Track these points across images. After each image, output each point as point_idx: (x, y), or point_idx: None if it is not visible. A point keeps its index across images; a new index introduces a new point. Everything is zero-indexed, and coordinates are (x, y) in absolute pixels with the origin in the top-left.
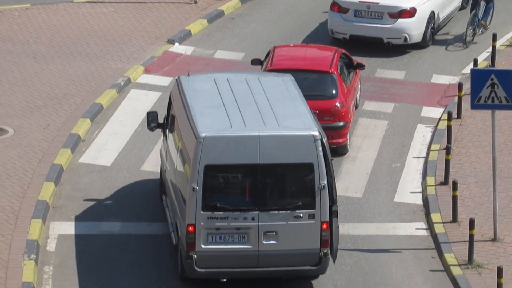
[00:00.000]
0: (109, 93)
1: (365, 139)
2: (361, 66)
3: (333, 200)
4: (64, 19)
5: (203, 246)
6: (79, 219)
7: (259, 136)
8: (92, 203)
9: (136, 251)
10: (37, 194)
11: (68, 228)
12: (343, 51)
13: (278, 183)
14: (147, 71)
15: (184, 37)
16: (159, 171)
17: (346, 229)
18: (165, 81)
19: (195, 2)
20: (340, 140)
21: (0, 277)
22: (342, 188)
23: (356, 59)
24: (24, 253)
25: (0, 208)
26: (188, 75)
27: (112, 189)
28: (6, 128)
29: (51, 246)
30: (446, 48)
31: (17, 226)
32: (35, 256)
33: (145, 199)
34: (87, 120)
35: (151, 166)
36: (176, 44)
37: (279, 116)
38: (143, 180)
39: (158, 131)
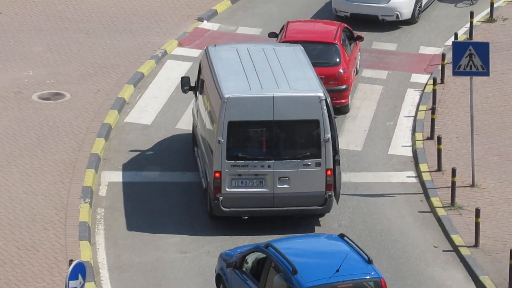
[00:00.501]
0: (148, 63)
1: (364, 101)
2: (360, 38)
3: (336, 150)
4: (112, 0)
5: (227, 189)
6: (125, 169)
7: (273, 97)
8: (135, 155)
9: (172, 195)
10: (90, 148)
11: (116, 176)
12: (345, 25)
13: (289, 136)
14: (180, 44)
15: (211, 15)
16: (191, 128)
17: (348, 177)
18: (195, 53)
19: None
20: (343, 101)
21: (60, 218)
22: (344, 143)
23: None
24: (80, 198)
25: (61, 160)
26: (215, 45)
27: (152, 144)
28: (64, 93)
29: (103, 191)
30: (455, 5)
31: (74, 175)
32: (89, 200)
33: (180, 152)
34: (131, 86)
35: (184, 125)
36: (205, 21)
37: (290, 80)
38: (178, 137)
39: (190, 95)
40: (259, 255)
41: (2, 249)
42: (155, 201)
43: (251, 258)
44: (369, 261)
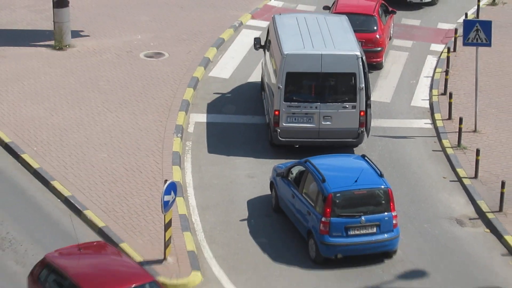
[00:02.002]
0: (228, 31)
1: (393, 64)
2: (393, 12)
3: (368, 97)
4: None
5: (284, 124)
6: (208, 112)
7: (321, 54)
8: (216, 102)
9: (244, 133)
10: (182, 95)
11: (201, 117)
12: (382, 1)
13: (332, 85)
14: (253, 17)
15: None
16: (259, 81)
17: (379, 123)
18: (264, 24)
19: None
20: (378, 59)
21: (158, 148)
22: (377, 96)
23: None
24: (173, 133)
25: (159, 104)
26: (280, 14)
27: (229, 93)
28: (163, 53)
29: (191, 129)
30: None
31: (169, 115)
32: (180, 135)
33: (250, 100)
34: (214, 48)
35: (254, 79)
36: (272, 0)
37: (335, 42)
38: (248, 89)
39: (259, 56)
40: (300, 168)
41: (113, 169)
42: (230, 137)
43: (294, 170)
44: (381, 175)
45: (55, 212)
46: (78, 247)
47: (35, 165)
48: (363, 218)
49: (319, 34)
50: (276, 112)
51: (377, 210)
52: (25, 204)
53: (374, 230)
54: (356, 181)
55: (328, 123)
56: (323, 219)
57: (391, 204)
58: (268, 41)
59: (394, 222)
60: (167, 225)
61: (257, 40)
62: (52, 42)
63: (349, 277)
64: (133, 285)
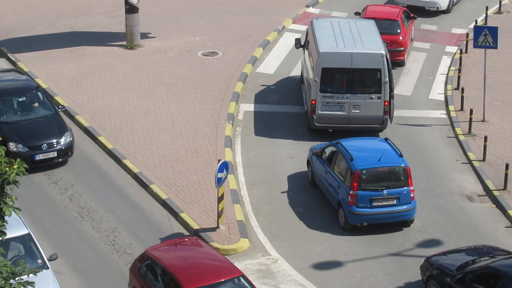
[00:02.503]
0: (273, 34)
1: (413, 63)
2: (414, 17)
3: (391, 89)
4: None
5: (319, 112)
6: (255, 102)
7: (352, 53)
8: (262, 94)
9: (284, 121)
10: (233, 88)
11: (249, 107)
12: (405, 8)
13: (361, 78)
14: (294, 22)
15: (314, 3)
16: (299, 76)
17: (401, 113)
18: (304, 28)
19: None
20: (401, 58)
21: (213, 132)
22: (399, 90)
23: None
24: (226, 120)
25: (214, 95)
26: (317, 18)
27: (273, 86)
28: (218, 52)
29: (240, 116)
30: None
31: (222, 105)
32: (232, 122)
33: (291, 93)
34: (261, 48)
35: (294, 74)
36: (310, 7)
37: (364, 42)
38: (290, 82)
39: (298, 56)
40: (332, 148)
41: (175, 150)
42: (274, 123)
43: (327, 150)
44: (401, 155)
45: (126, 186)
46: (174, 242)
47: (109, 146)
48: (385, 192)
49: (350, 36)
50: (313, 102)
51: (397, 185)
52: (101, 179)
53: (394, 202)
54: (379, 160)
55: (357, 111)
56: (351, 192)
57: (409, 180)
58: (306, 41)
59: (411, 195)
60: (220, 198)
61: (297, 41)
62: (124, 43)
63: (373, 243)
64: (224, 279)
